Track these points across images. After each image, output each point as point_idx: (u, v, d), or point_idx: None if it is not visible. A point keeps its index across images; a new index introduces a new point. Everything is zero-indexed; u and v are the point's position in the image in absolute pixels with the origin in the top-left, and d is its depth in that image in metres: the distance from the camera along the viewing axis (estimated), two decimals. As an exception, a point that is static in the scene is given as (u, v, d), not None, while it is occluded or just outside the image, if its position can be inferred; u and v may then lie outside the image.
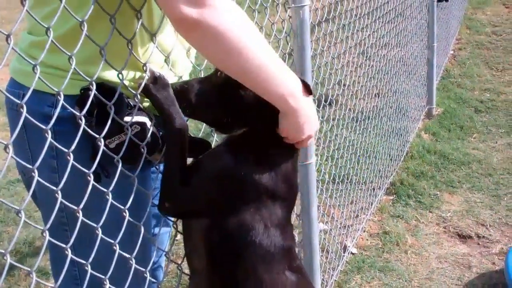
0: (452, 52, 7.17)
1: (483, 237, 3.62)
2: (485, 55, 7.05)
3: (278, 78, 1.41)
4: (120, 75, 1.42)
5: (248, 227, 1.48)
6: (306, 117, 1.48)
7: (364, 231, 3.66)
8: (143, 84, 1.46)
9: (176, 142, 1.51)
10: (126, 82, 1.48)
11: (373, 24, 3.77)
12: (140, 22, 1.46)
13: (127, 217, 1.47)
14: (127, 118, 1.45)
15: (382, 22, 3.98)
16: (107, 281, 1.41)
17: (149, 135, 1.49)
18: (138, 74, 1.52)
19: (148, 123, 1.49)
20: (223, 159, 1.51)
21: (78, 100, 1.41)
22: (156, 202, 1.77)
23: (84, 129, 1.32)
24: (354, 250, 3.45)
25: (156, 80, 1.49)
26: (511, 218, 3.80)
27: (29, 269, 1.12)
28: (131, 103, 1.47)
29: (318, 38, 2.68)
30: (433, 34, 5.34)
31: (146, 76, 1.50)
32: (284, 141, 1.54)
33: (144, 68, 1.51)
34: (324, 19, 2.71)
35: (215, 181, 1.49)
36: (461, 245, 3.58)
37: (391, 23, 4.22)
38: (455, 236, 3.66)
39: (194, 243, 1.57)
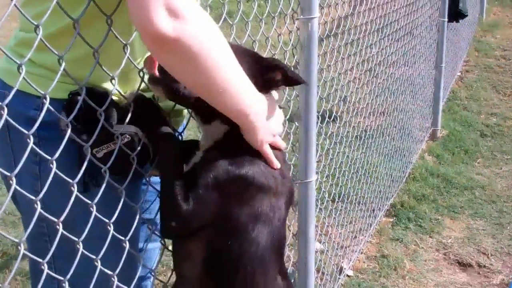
0: (459, 74, 7.09)
1: (484, 266, 3.51)
2: (493, 79, 6.96)
3: (240, 96, 1.37)
4: (113, 81, 1.33)
5: (251, 230, 1.44)
6: (262, 126, 1.45)
7: (362, 253, 3.55)
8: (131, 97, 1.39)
9: (169, 160, 1.45)
10: (119, 89, 1.39)
11: (382, 41, 3.68)
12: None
13: (111, 231, 1.38)
14: (116, 127, 1.35)
15: (391, 39, 3.90)
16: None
17: (139, 146, 1.41)
18: (129, 80, 1.44)
19: (139, 133, 1.40)
20: (218, 164, 1.44)
21: (66, 105, 1.32)
22: (148, 215, 1.70)
23: (71, 135, 1.24)
24: (350, 273, 3.35)
25: (138, 97, 1.43)
26: (514, 248, 3.70)
27: None
28: (122, 111, 1.39)
29: (326, 52, 2.60)
30: (442, 55, 5.26)
31: (139, 88, 1.42)
32: None
33: (141, 74, 1.42)
34: (333, 33, 2.63)
35: (216, 188, 1.42)
36: (461, 273, 3.47)
37: (400, 41, 4.14)
38: (455, 263, 3.55)
39: (187, 250, 1.49)
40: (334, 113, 2.82)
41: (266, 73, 1.47)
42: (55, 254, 1.41)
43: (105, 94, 1.35)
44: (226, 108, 1.37)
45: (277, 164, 1.49)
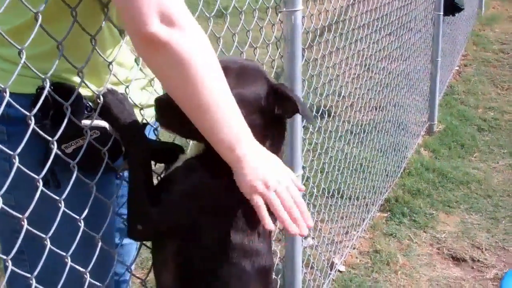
0: (457, 68, 7.05)
1: (478, 261, 3.48)
2: (491, 73, 6.92)
3: (227, 122, 1.26)
4: (80, 74, 1.30)
5: (226, 245, 1.37)
6: (253, 168, 1.29)
7: (354, 248, 3.52)
8: (102, 90, 1.36)
9: (138, 162, 1.41)
10: (88, 84, 1.36)
11: (374, 35, 3.65)
12: (106, 17, 1.35)
13: (82, 227, 1.35)
14: (86, 122, 1.33)
15: (384, 33, 3.87)
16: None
17: (110, 141, 1.38)
18: (102, 75, 1.41)
19: (109, 128, 1.38)
20: (196, 174, 1.38)
21: (34, 100, 1.29)
22: (122, 210, 1.68)
23: (36, 131, 1.22)
24: (342, 268, 3.32)
25: (111, 93, 1.38)
26: (509, 242, 3.66)
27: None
28: (91, 106, 1.36)
29: (312, 45, 2.57)
30: (438, 49, 5.21)
31: (107, 81, 1.39)
32: None
33: (110, 67, 1.40)
34: (319, 26, 2.60)
35: (188, 198, 1.37)
36: (454, 268, 3.44)
37: (393, 34, 4.10)
38: (448, 258, 3.52)
39: (164, 258, 1.45)
40: (322, 108, 2.79)
41: (275, 103, 1.39)
42: (29, 251, 1.40)
43: (74, 88, 1.32)
44: (208, 132, 1.28)
45: (269, 225, 1.30)
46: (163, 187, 1.42)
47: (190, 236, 1.38)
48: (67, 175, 1.32)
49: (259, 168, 1.30)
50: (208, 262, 1.39)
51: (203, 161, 1.40)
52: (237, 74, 1.37)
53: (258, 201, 1.29)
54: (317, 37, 2.63)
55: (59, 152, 1.28)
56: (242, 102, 1.31)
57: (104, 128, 1.37)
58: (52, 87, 1.26)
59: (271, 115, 1.40)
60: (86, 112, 1.34)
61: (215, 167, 1.35)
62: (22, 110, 1.18)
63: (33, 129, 1.19)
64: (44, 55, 1.30)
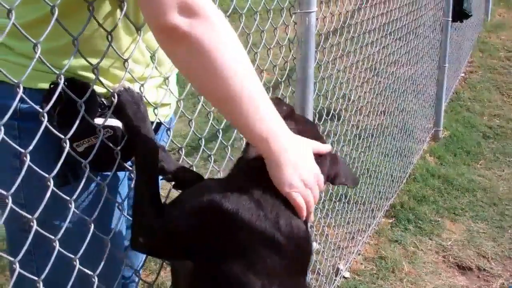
0: (463, 74, 7.02)
1: (484, 270, 3.44)
2: (497, 80, 6.89)
3: (262, 113, 1.21)
4: (95, 70, 1.26)
5: (241, 281, 1.23)
6: (291, 163, 1.24)
7: (359, 255, 3.48)
8: (118, 88, 1.31)
9: (145, 167, 1.33)
10: (104, 80, 1.32)
11: (383, 39, 3.61)
12: (123, 13, 1.31)
13: (92, 228, 1.31)
14: (98, 120, 1.29)
15: (393, 38, 3.83)
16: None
17: (123, 140, 1.34)
18: (117, 71, 1.37)
19: (122, 127, 1.33)
20: (211, 190, 1.26)
21: (46, 95, 1.26)
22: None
23: (54, 128, 1.18)
24: (347, 274, 3.28)
25: (127, 92, 1.33)
26: (515, 252, 3.63)
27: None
28: (105, 103, 1.32)
29: (324, 48, 2.53)
30: (445, 55, 5.19)
31: (123, 79, 1.35)
32: None
33: (126, 65, 1.36)
34: (332, 29, 2.56)
35: (198, 215, 1.24)
36: (460, 276, 3.40)
37: (402, 40, 4.07)
38: (454, 266, 3.48)
39: (181, 283, 1.37)
40: (332, 111, 2.75)
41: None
42: (37, 252, 1.36)
43: (88, 85, 1.29)
44: (244, 122, 1.22)
45: (305, 213, 1.27)
46: (174, 200, 1.33)
47: (201, 262, 1.26)
48: (82, 171, 1.28)
49: (297, 164, 1.25)
50: None
51: (221, 181, 1.33)
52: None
53: (299, 200, 1.25)
54: (330, 39, 2.59)
55: (71, 151, 1.24)
56: None
57: (118, 127, 1.33)
58: (65, 83, 1.23)
59: None
60: (99, 110, 1.30)
61: (234, 188, 1.26)
62: (36, 106, 1.14)
63: (45, 126, 1.15)
64: (59, 49, 1.26)
